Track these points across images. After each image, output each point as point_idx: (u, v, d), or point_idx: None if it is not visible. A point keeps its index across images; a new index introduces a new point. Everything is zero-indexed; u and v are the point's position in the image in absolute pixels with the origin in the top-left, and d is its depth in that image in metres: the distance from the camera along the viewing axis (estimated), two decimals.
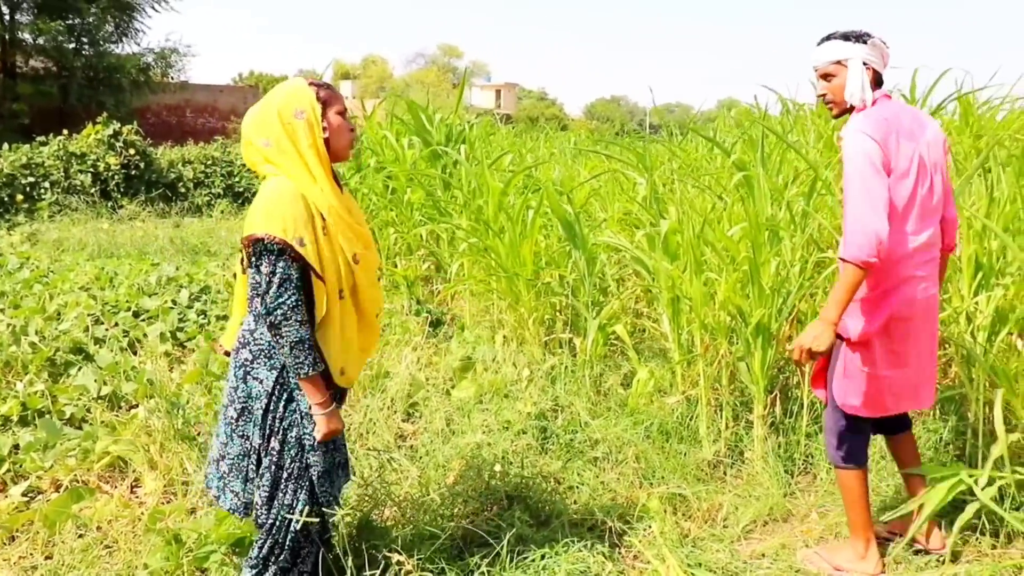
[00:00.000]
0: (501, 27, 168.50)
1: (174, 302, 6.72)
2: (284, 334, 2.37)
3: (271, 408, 2.49)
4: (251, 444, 2.53)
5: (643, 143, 6.75)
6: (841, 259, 2.87)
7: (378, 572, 2.70)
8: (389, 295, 6.69)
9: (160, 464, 3.79)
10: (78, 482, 3.72)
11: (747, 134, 5.92)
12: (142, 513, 3.42)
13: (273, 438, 2.51)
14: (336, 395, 2.61)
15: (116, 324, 6.00)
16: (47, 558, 3.17)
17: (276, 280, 2.35)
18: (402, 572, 2.63)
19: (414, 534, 3.08)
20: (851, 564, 3.15)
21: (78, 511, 3.40)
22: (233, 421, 2.56)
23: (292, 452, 2.52)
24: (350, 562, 2.67)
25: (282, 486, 2.54)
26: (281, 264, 2.34)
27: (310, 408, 2.48)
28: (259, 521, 2.58)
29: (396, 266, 7.19)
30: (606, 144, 9.02)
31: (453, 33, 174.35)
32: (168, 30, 64.85)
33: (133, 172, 15.87)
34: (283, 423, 2.50)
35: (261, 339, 2.48)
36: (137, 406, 4.50)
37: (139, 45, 26.30)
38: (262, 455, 2.53)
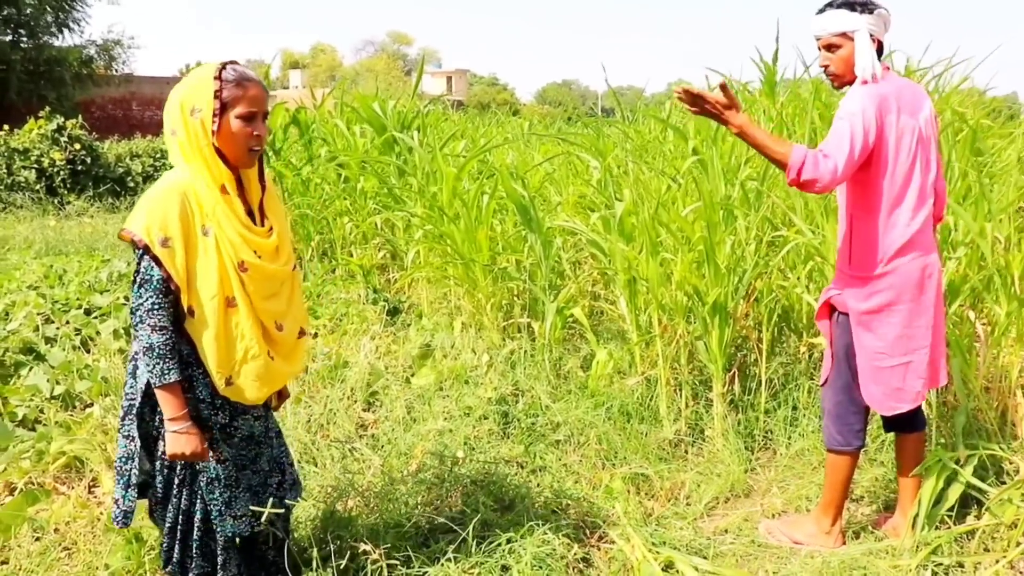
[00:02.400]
0: (451, 13, 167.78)
1: (126, 298, 6.60)
2: (139, 336, 2.22)
3: (157, 408, 2.31)
4: (134, 447, 2.37)
5: (597, 126, 6.77)
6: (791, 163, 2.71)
7: (344, 562, 2.69)
8: (345, 285, 6.64)
9: None
10: (33, 484, 3.64)
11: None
12: (101, 513, 3.36)
13: (161, 440, 2.34)
14: (260, 406, 2.48)
15: (67, 322, 5.88)
16: (3, 563, 3.10)
17: (138, 280, 2.21)
18: (368, 561, 2.62)
19: (379, 523, 3.07)
20: (811, 539, 3.19)
21: (34, 514, 3.33)
22: (120, 419, 2.41)
23: None
24: (316, 553, 2.66)
25: (175, 491, 2.40)
26: (144, 264, 2.20)
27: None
28: (159, 523, 2.49)
29: (352, 255, 7.13)
30: (559, 128, 9.02)
31: (402, 20, 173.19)
32: (111, 22, 63.60)
33: (79, 167, 15.48)
34: (163, 426, 2.31)
35: None
36: (92, 405, 4.43)
37: (81, 37, 25.78)
38: (155, 456, 2.39)
